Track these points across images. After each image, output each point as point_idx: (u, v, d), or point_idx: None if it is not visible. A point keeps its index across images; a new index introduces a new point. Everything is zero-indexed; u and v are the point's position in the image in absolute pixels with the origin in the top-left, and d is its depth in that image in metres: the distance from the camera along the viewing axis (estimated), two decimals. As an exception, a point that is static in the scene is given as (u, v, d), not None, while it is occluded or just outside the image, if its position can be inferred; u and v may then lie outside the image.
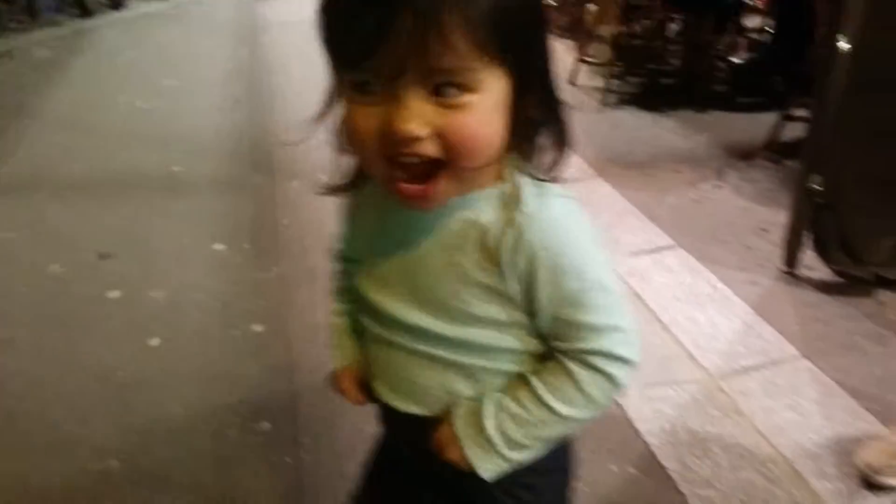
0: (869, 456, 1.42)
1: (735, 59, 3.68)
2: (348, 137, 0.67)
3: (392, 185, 0.66)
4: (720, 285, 2.03)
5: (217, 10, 5.19)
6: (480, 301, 0.72)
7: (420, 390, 0.78)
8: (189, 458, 1.47)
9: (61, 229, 2.32)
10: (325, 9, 0.63)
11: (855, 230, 2.00)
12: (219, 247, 2.22)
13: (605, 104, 3.41)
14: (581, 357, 0.72)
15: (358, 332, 0.85)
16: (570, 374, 0.72)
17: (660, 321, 1.88)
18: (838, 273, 2.03)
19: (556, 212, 0.69)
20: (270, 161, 2.82)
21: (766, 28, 3.85)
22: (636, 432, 1.53)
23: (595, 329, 0.71)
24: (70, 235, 2.28)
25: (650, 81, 3.63)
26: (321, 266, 2.09)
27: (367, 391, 0.84)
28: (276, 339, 1.81)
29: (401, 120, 0.61)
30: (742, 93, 3.42)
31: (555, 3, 5.52)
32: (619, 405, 1.59)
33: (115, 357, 1.74)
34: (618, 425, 1.55)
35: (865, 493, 1.39)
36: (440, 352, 0.75)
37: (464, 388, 0.76)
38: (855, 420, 1.56)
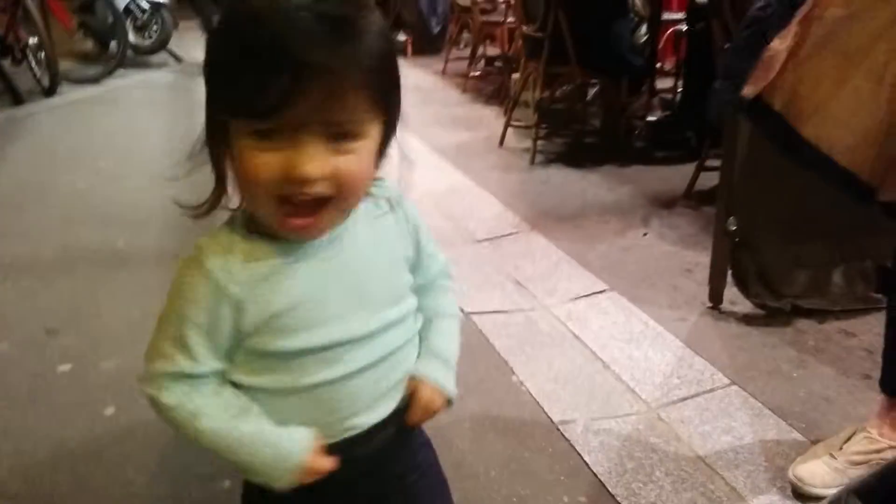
0: (798, 469, 1.54)
1: (650, 118, 3.93)
2: (243, 178, 0.74)
3: (281, 220, 0.75)
4: (652, 323, 2.16)
5: (152, 92, 5.26)
6: (404, 271, 0.90)
7: (395, 385, 0.87)
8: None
9: (6, 308, 2.31)
10: (232, 65, 0.70)
11: (770, 266, 2.18)
12: (168, 316, 2.24)
13: (533, 163, 3.58)
14: (446, 275, 0.98)
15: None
16: (445, 288, 0.97)
17: (600, 359, 1.99)
18: (759, 306, 2.19)
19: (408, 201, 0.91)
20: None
21: (677, 89, 4.13)
22: (584, 464, 1.61)
23: (444, 258, 0.98)
24: (16, 314, 2.27)
25: (574, 141, 3.84)
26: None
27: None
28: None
29: (303, 164, 0.70)
30: (659, 147, 3.66)
31: (478, 73, 5.78)
32: (566, 439, 1.67)
33: (70, 429, 1.73)
34: (567, 458, 1.63)
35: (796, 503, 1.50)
36: (397, 337, 0.86)
37: (412, 356, 0.90)
38: (784, 438, 1.68)
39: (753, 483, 1.55)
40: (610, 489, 1.54)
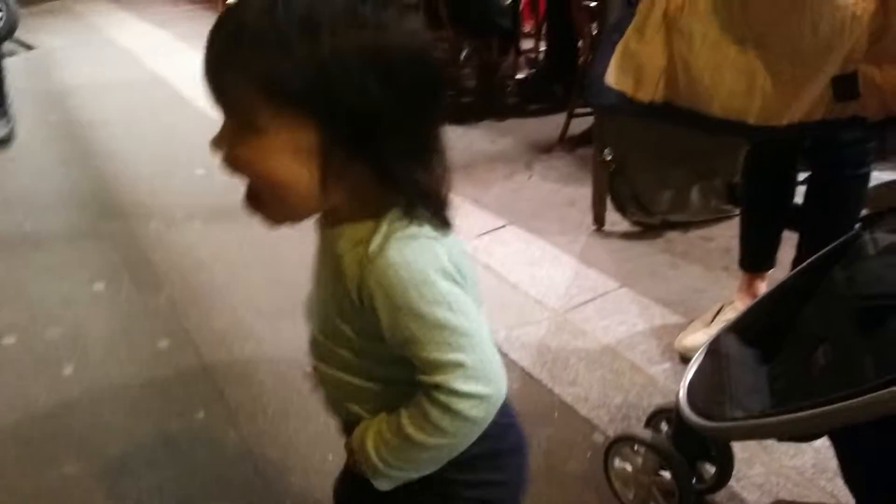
0: (683, 341, 1.88)
1: (519, 75, 4.26)
2: None
3: None
4: (549, 247, 2.47)
5: (10, 82, 5.06)
6: (348, 325, 0.79)
7: (333, 403, 0.89)
8: (140, 450, 1.63)
9: (-71, 296, 2.33)
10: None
11: (641, 189, 2.53)
12: (99, 286, 2.34)
13: (418, 124, 3.81)
14: (427, 391, 0.73)
15: None
16: (420, 406, 0.74)
17: (508, 282, 2.27)
18: (635, 223, 2.56)
19: (392, 257, 0.71)
20: (121, 208, 2.94)
21: (539, 49, 4.48)
22: (512, 361, 1.89)
23: (436, 365, 0.72)
24: (-60, 298, 2.30)
25: (452, 101, 4.10)
26: (205, 286, 2.30)
27: None
28: (184, 348, 1.99)
29: (211, 140, 0.72)
30: (530, 101, 3.98)
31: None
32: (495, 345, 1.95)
33: (33, 389, 1.84)
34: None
35: (684, 368, 1.83)
36: (330, 363, 0.84)
37: (356, 403, 0.83)
38: (668, 322, 2.03)
39: (649, 358, 1.89)
40: (535, 376, 1.83)
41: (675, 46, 1.62)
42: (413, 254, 0.72)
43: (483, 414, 0.74)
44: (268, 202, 0.73)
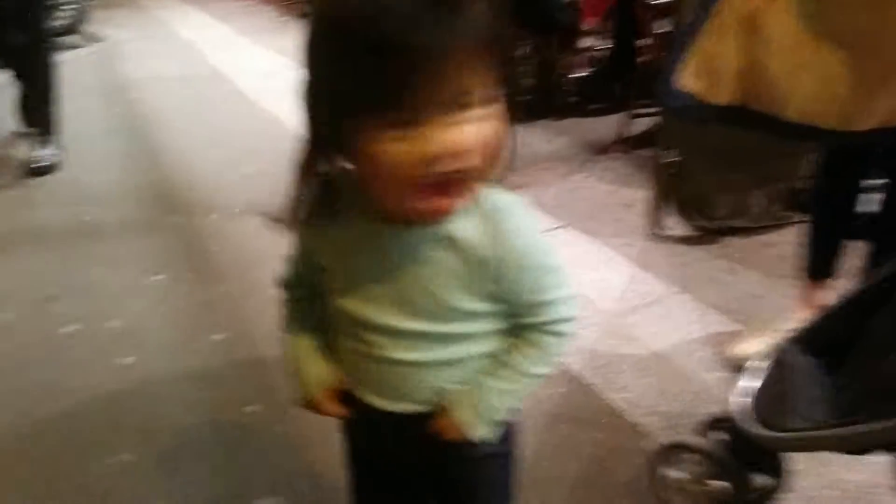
0: (738, 349, 1.83)
1: (578, 74, 4.21)
2: (376, 173, 0.72)
3: (419, 205, 0.73)
4: (604, 249, 2.44)
5: (77, 73, 5.19)
6: (470, 302, 0.83)
7: (413, 391, 0.88)
8: (193, 441, 1.66)
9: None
10: (353, 66, 0.67)
11: (701, 192, 2.48)
12: (159, 278, 2.39)
13: (475, 122, 3.80)
14: (544, 328, 0.86)
15: (322, 353, 0.93)
16: (538, 344, 0.87)
17: (562, 283, 2.25)
18: (693, 228, 2.50)
19: (514, 219, 0.80)
20: (182, 202, 3.01)
21: (599, 47, 4.41)
22: (561, 364, 1.87)
23: (551, 304, 0.85)
24: (7, 288, 2.37)
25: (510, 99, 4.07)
26: (263, 280, 2.32)
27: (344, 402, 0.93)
28: (240, 342, 2.02)
29: (444, 142, 0.68)
30: (589, 101, 3.94)
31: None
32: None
33: (94, 377, 1.89)
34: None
35: (740, 376, 1.79)
36: (430, 352, 0.85)
37: (451, 378, 0.87)
38: (725, 329, 1.98)
39: (704, 365, 1.85)
40: (586, 380, 1.81)
41: (752, 48, 1.58)
42: (524, 216, 0.82)
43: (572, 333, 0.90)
44: (474, 180, 0.75)
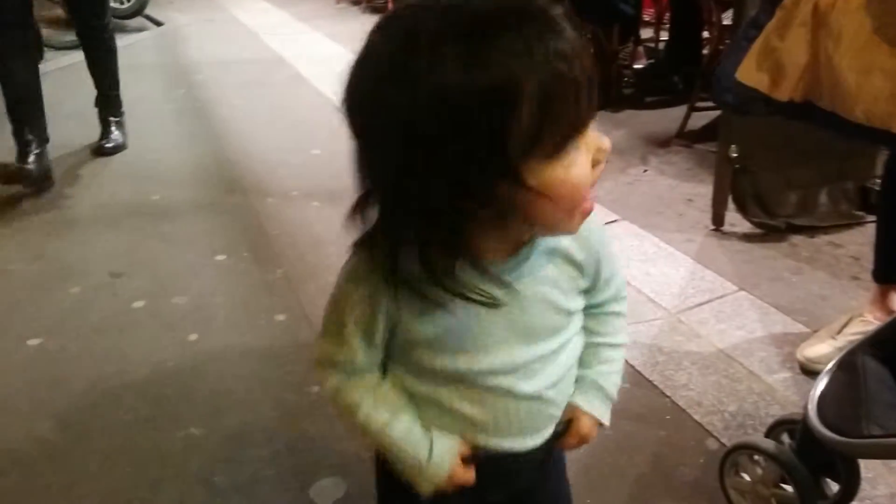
0: (806, 351, 1.80)
1: (637, 65, 4.16)
2: (561, 195, 0.70)
3: (580, 211, 0.73)
4: (663, 245, 2.41)
5: (141, 56, 5.32)
6: (573, 301, 0.85)
7: (554, 413, 0.88)
8: (258, 419, 1.70)
9: (66, 259, 2.47)
10: (539, 103, 0.64)
11: (765, 189, 2.44)
12: (221, 258, 2.44)
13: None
14: (618, 298, 0.92)
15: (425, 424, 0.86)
16: (617, 313, 0.93)
17: (621, 277, 2.23)
18: (757, 225, 2.46)
19: (593, 220, 0.79)
20: (241, 184, 3.06)
21: (659, 38, 4.36)
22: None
23: (616, 274, 0.91)
24: (75, 262, 2.44)
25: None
26: (320, 264, 2.36)
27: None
28: (300, 324, 2.05)
29: (602, 142, 0.73)
30: (647, 93, 3.89)
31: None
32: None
33: (161, 352, 1.94)
34: (607, 354, 1.88)
35: (806, 378, 1.76)
36: (555, 367, 0.85)
37: (571, 383, 0.89)
38: (789, 330, 1.95)
39: (767, 366, 1.82)
40: (647, 376, 1.80)
41: (822, 44, 1.54)
42: None
43: None
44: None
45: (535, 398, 0.84)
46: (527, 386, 0.83)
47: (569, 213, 0.72)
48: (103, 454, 1.61)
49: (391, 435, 0.83)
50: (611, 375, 0.92)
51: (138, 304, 2.19)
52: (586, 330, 0.91)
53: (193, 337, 2.01)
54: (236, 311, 2.14)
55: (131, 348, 1.97)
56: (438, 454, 0.83)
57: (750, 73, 1.67)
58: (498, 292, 0.77)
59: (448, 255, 0.72)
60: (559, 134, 0.67)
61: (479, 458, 0.86)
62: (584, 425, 0.91)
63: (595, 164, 0.73)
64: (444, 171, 0.66)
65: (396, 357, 0.84)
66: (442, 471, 0.83)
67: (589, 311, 0.90)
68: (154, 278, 2.33)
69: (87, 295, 2.25)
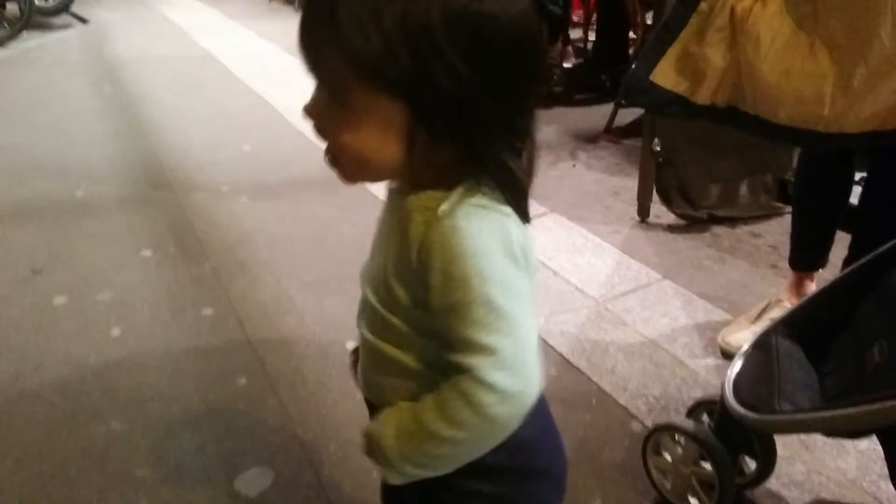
0: (727, 336, 1.86)
1: (566, 64, 4.23)
2: None
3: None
4: (591, 236, 2.46)
5: (65, 53, 5.17)
6: (397, 283, 0.74)
7: (368, 379, 0.85)
8: (182, 412, 1.66)
9: (-16, 254, 2.39)
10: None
11: (689, 181, 2.51)
12: (147, 253, 2.38)
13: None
14: (451, 373, 0.69)
15: None
16: (442, 392, 0.70)
17: (550, 268, 2.26)
18: (681, 216, 2.53)
19: (459, 220, 0.68)
20: (169, 180, 2.99)
21: (587, 39, 4.44)
22: (550, 347, 1.89)
23: (469, 344, 0.67)
24: (-5, 259, 2.36)
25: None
26: (249, 258, 2.33)
27: None
28: (228, 317, 2.02)
29: (305, 105, 0.71)
30: (577, 91, 3.96)
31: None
32: (533, 328, 1.95)
33: (83, 347, 1.89)
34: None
35: (726, 362, 1.82)
36: (377, 335, 0.79)
37: (395, 380, 0.79)
38: (711, 317, 2.01)
39: (690, 351, 1.87)
40: (574, 363, 1.83)
41: (741, 49, 1.59)
42: (481, 223, 0.68)
43: (505, 414, 0.68)
44: (347, 166, 0.72)
45: (367, 345, 0.82)
46: (365, 330, 0.82)
47: None
48: (21, 451, 1.55)
49: None
50: (400, 430, 0.73)
51: (60, 299, 2.12)
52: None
53: (116, 332, 1.96)
54: (161, 305, 2.09)
55: (51, 344, 1.91)
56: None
57: (667, 76, 1.71)
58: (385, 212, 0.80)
59: None
60: None
61: None
62: (366, 430, 0.78)
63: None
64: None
65: None
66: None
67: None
68: (76, 274, 2.26)
69: (6, 291, 2.17)
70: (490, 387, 0.66)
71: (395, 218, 0.75)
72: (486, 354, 0.66)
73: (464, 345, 0.68)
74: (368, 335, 0.81)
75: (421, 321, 0.74)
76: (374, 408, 0.83)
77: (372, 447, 0.76)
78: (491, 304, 0.67)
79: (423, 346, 0.76)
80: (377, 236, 0.82)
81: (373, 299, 0.78)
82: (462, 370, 0.67)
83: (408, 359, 0.77)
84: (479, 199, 0.69)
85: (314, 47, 0.67)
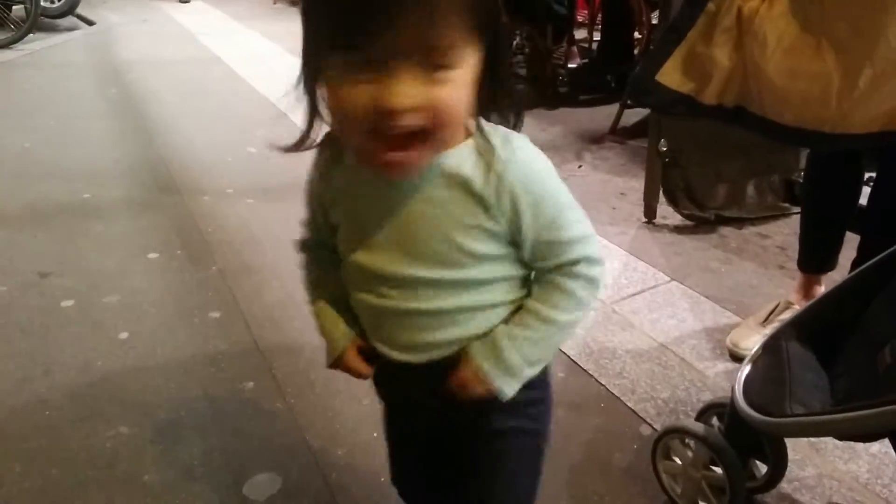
0: (735, 338, 1.85)
1: (571, 65, 4.22)
2: (336, 114, 0.73)
3: (374, 157, 0.72)
4: (597, 237, 2.44)
5: (71, 55, 5.19)
6: (475, 241, 0.79)
7: (433, 342, 0.85)
8: (190, 416, 1.66)
9: (-8, 257, 2.39)
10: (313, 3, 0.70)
11: (695, 182, 2.50)
12: (153, 256, 2.38)
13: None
14: (567, 270, 0.81)
15: (344, 311, 0.92)
16: (561, 288, 0.82)
17: (557, 270, 2.26)
18: (687, 217, 2.52)
19: (523, 153, 0.78)
20: (175, 182, 3.00)
21: (592, 39, 4.43)
22: (557, 350, 1.88)
23: (575, 241, 0.81)
24: (2, 262, 2.35)
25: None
26: (256, 261, 2.33)
27: (368, 360, 0.92)
28: (235, 321, 2.02)
29: (394, 95, 0.66)
30: (581, 91, 3.95)
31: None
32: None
33: (90, 351, 1.88)
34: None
35: (735, 364, 1.81)
36: (444, 300, 0.82)
37: (469, 328, 0.84)
38: (719, 318, 2.00)
39: (699, 353, 1.86)
40: (582, 365, 1.82)
41: (747, 50, 1.58)
42: (534, 149, 0.80)
43: (602, 278, 0.85)
44: (432, 141, 0.72)
45: (412, 316, 0.84)
46: (419, 304, 0.82)
47: (355, 148, 0.77)
48: (29, 456, 1.55)
49: (321, 305, 0.93)
50: (518, 341, 0.83)
51: (67, 303, 2.12)
52: (526, 291, 0.86)
53: (124, 335, 1.96)
54: (169, 308, 2.09)
55: (59, 348, 1.91)
56: (339, 335, 0.92)
57: (673, 76, 1.70)
58: (379, 188, 0.79)
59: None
60: (330, 37, 0.68)
61: (374, 357, 0.92)
62: (464, 371, 0.84)
63: (393, 122, 0.68)
64: (307, 37, 0.74)
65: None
66: (335, 350, 0.92)
67: (538, 272, 0.85)
68: (84, 277, 2.26)
69: (13, 294, 2.17)
70: (599, 261, 0.84)
71: (430, 187, 0.78)
72: (588, 241, 0.83)
73: (570, 244, 0.81)
74: (422, 304, 0.83)
75: (505, 258, 0.82)
76: (428, 369, 0.86)
77: (475, 380, 0.83)
78: (572, 204, 0.82)
79: (508, 278, 0.84)
80: (398, 214, 0.80)
81: (429, 274, 0.81)
82: (574, 262, 0.81)
83: (493, 297, 0.84)
84: (512, 133, 0.79)
85: (429, 9, 0.65)
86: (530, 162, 0.78)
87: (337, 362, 0.93)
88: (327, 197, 0.87)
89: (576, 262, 0.81)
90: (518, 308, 0.85)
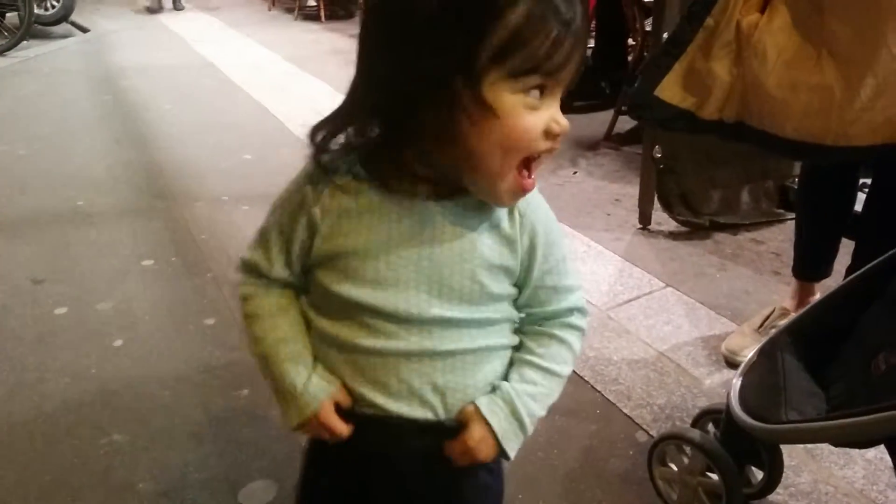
0: (730, 344, 1.85)
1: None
2: (505, 138, 0.69)
3: (517, 182, 0.72)
4: (592, 244, 2.46)
5: (66, 62, 5.18)
6: (495, 278, 0.78)
7: (437, 387, 0.79)
8: (185, 424, 1.65)
9: (-15, 265, 2.38)
10: (522, 24, 0.66)
11: (690, 188, 2.51)
12: (148, 263, 2.38)
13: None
14: (562, 320, 0.83)
15: (305, 355, 0.82)
16: (560, 340, 0.83)
17: (552, 276, 2.26)
18: (682, 223, 2.53)
19: (537, 196, 0.79)
20: (170, 189, 2.99)
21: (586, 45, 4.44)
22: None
23: (573, 289, 0.84)
24: (-4, 269, 2.36)
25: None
26: (252, 267, 2.32)
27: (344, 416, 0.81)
28: (229, 327, 2.02)
29: (563, 120, 0.72)
30: (576, 98, 3.96)
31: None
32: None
33: (84, 359, 1.88)
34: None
35: (730, 371, 1.81)
36: (457, 341, 0.78)
37: (477, 374, 0.80)
38: (714, 324, 2.00)
39: (694, 359, 1.86)
40: (577, 372, 1.82)
41: (747, 64, 1.58)
42: (539, 195, 0.80)
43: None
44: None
45: (422, 359, 0.78)
46: (422, 343, 0.77)
47: (503, 165, 0.70)
48: (22, 464, 1.54)
49: (280, 353, 0.82)
50: (527, 399, 0.80)
51: (60, 310, 2.11)
52: (520, 346, 0.83)
53: (118, 343, 1.95)
54: (163, 315, 2.08)
55: (52, 355, 1.90)
56: (315, 387, 0.80)
57: (673, 91, 1.70)
58: (413, 218, 0.76)
59: (390, 149, 0.74)
60: (529, 61, 0.67)
61: (356, 416, 0.81)
62: (476, 433, 0.79)
63: (547, 138, 0.71)
64: (419, 46, 0.67)
65: (310, 288, 0.83)
66: (312, 404, 0.79)
67: (527, 326, 0.84)
68: (77, 284, 2.25)
69: (6, 301, 2.16)
70: (586, 311, 0.87)
71: (457, 227, 0.77)
72: (580, 292, 0.86)
73: (569, 291, 0.84)
74: (441, 346, 0.78)
75: (509, 298, 0.82)
76: (418, 425, 0.80)
77: (484, 441, 0.79)
78: (568, 257, 0.84)
79: (509, 320, 0.83)
80: (422, 252, 0.77)
81: (450, 313, 0.77)
82: (568, 312, 0.84)
83: (499, 339, 0.82)
84: None
85: (583, 44, 0.71)
86: (544, 204, 0.82)
87: (307, 422, 0.81)
88: (324, 225, 0.78)
89: (571, 312, 0.84)
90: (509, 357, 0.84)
